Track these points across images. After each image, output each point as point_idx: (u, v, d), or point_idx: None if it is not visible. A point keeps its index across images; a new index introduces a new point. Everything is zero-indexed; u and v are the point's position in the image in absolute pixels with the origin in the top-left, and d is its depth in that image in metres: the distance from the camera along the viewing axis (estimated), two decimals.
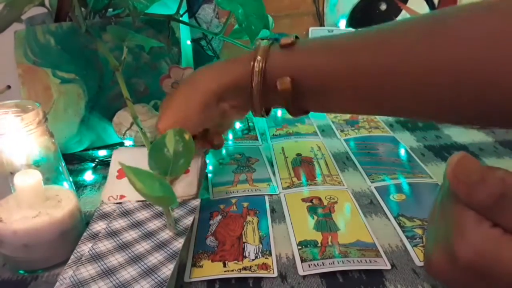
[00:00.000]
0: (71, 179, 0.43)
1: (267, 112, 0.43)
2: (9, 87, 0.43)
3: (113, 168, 0.46)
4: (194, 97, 0.41)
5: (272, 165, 0.56)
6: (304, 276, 0.37)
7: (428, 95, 0.31)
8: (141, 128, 0.42)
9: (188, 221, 0.39)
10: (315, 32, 0.80)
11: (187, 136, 0.39)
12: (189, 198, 0.43)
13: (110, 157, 0.58)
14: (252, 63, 0.38)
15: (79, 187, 0.52)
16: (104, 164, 0.58)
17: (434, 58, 0.30)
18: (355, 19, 0.82)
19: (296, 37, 0.38)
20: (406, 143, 0.61)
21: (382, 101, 0.35)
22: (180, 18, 0.59)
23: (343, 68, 0.35)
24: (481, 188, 0.25)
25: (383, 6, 0.82)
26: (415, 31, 0.32)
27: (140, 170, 0.33)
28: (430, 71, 0.30)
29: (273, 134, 0.65)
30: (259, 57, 0.38)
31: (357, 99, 0.36)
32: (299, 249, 0.39)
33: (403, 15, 0.83)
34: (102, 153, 0.60)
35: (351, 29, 0.81)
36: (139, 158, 0.39)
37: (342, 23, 0.82)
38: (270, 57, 0.38)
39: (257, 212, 0.46)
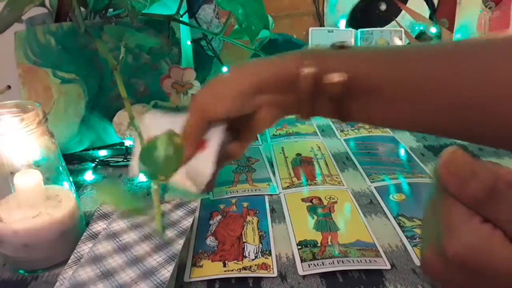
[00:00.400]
0: (71, 179, 0.43)
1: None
2: (9, 87, 0.43)
3: (143, 134, 0.41)
4: (235, 80, 0.40)
5: (272, 165, 0.56)
6: (304, 276, 0.37)
7: (464, 116, 0.33)
8: (137, 129, 0.42)
9: (187, 222, 0.39)
10: (315, 32, 0.80)
11: (178, 140, 0.39)
12: (202, 180, 0.40)
13: (110, 157, 0.59)
14: (300, 67, 0.37)
15: (79, 187, 0.53)
16: (104, 164, 0.58)
17: (464, 85, 0.32)
18: (355, 19, 0.83)
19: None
20: (406, 143, 0.61)
21: (430, 115, 0.35)
22: (180, 18, 0.59)
23: (403, 76, 0.35)
24: (472, 181, 0.25)
25: (383, 6, 0.82)
26: (457, 57, 0.34)
27: (110, 188, 0.33)
28: (464, 95, 0.32)
29: (273, 134, 0.65)
30: (308, 59, 0.37)
31: (407, 111, 0.36)
32: (299, 249, 0.39)
33: (403, 15, 0.83)
34: (102, 153, 0.60)
35: (351, 29, 0.81)
36: (168, 124, 0.38)
37: (342, 23, 0.82)
38: (322, 59, 0.37)
39: (257, 212, 0.46)
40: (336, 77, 0.36)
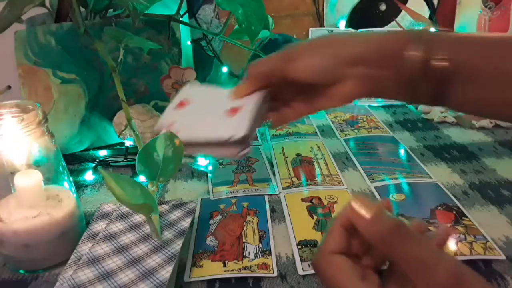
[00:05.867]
0: (71, 179, 0.43)
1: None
2: (9, 87, 0.43)
3: (177, 99, 0.42)
4: (335, 46, 0.39)
5: (272, 165, 0.56)
6: (303, 276, 0.37)
7: None
8: (134, 131, 0.42)
9: (186, 223, 0.39)
10: (315, 32, 0.80)
11: (177, 142, 0.38)
12: (234, 140, 0.36)
13: (111, 157, 0.59)
14: (408, 50, 0.36)
15: (80, 187, 0.53)
16: (105, 164, 0.58)
17: None
18: (354, 19, 0.83)
19: None
20: (406, 143, 0.61)
21: None
22: (180, 19, 0.59)
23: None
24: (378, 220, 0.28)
25: (383, 7, 0.82)
26: None
27: (121, 176, 0.33)
28: None
29: (273, 134, 0.65)
30: (416, 43, 0.36)
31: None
32: (299, 249, 0.39)
33: (403, 15, 0.83)
34: (103, 153, 0.60)
35: (350, 30, 0.81)
36: (211, 97, 0.37)
37: (342, 24, 0.82)
38: (430, 43, 0.36)
39: (257, 212, 0.46)
40: (443, 62, 0.35)
